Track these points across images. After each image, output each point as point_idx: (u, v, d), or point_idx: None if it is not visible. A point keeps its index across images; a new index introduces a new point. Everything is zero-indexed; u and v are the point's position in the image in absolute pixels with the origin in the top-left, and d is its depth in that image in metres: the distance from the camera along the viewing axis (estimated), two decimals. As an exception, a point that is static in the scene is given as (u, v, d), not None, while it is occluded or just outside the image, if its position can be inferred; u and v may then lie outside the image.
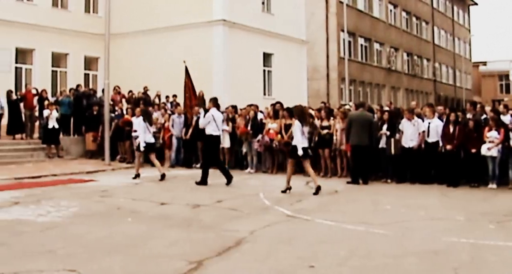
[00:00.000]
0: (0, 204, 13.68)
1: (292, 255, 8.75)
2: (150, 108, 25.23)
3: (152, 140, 19.51)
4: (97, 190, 16.36)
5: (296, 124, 15.97)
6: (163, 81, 31.78)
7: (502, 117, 17.74)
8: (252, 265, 8.22)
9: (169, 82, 31.30)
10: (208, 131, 18.01)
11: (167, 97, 29.80)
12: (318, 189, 15.58)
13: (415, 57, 65.42)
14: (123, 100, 28.93)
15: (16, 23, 31.71)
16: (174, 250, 9.07)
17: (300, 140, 15.72)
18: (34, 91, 26.49)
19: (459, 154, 17.53)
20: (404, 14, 63.18)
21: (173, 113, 24.37)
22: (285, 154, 20.78)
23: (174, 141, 23.47)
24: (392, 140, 18.42)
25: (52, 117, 24.40)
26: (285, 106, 21.86)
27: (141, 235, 10.18)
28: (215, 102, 18.74)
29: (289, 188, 15.98)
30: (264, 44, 36.48)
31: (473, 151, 17.13)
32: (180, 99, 28.06)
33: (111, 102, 25.56)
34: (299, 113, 16.35)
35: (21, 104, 25.97)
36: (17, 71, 32.71)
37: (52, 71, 34.75)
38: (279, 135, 20.47)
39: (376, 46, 56.52)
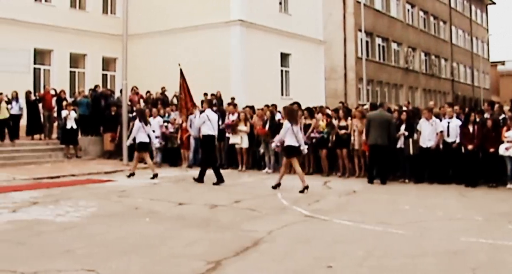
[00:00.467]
0: (19, 204, 13.75)
1: (310, 255, 8.74)
2: (168, 109, 25.32)
3: (146, 140, 19.73)
4: (115, 190, 16.43)
5: (285, 124, 16.46)
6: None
7: (520, 117, 17.65)
8: (270, 265, 8.21)
9: (188, 83, 31.34)
10: (204, 131, 18.35)
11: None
12: (305, 188, 15.94)
13: (433, 57, 65.15)
14: (141, 100, 28.99)
15: (34, 24, 31.85)
16: (192, 250, 9.08)
17: (285, 138, 16.39)
18: (52, 92, 26.59)
19: (477, 154, 17.44)
20: (421, 13, 62.92)
21: (190, 113, 24.36)
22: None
23: (192, 141, 23.47)
24: (410, 139, 18.35)
25: (71, 117, 24.48)
26: (302, 106, 21.95)
27: (159, 235, 10.20)
28: (210, 103, 19.79)
29: (278, 184, 16.65)
30: (281, 44, 36.44)
31: (491, 150, 17.04)
32: (196, 100, 28.16)
33: (129, 103, 25.61)
34: (289, 113, 16.84)
35: (40, 105, 26.09)
36: (36, 72, 32.90)
37: (70, 72, 34.84)
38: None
39: (394, 46, 56.34)
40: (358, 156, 19.85)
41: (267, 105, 23.05)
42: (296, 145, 16.46)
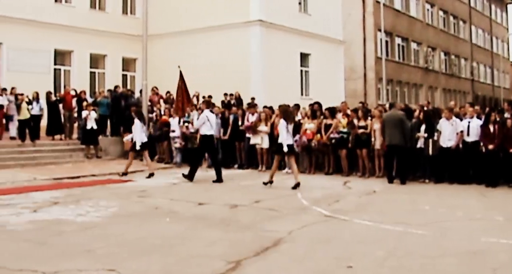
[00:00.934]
0: (40, 204, 13.83)
1: (330, 255, 8.74)
2: (188, 109, 25.34)
3: (145, 139, 20.03)
4: (135, 190, 16.49)
5: (281, 123, 17.14)
6: (200, 82, 31.81)
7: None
8: (290, 265, 8.22)
9: (206, 83, 31.39)
10: (203, 131, 18.83)
11: (203, 97, 29.81)
12: (297, 185, 16.52)
13: (453, 57, 64.92)
14: (161, 101, 29.03)
15: (55, 25, 32.02)
16: (213, 250, 9.09)
17: (285, 137, 16.95)
18: (73, 93, 26.70)
19: (498, 154, 17.35)
20: (441, 13, 62.71)
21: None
22: (323, 153, 20.84)
23: (212, 141, 23.52)
24: (430, 140, 18.27)
25: (91, 118, 24.55)
26: (322, 106, 21.94)
27: (179, 235, 10.23)
28: (208, 104, 19.98)
29: (271, 182, 17.21)
30: (301, 44, 36.42)
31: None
32: (216, 100, 28.20)
33: (149, 103, 25.66)
34: (284, 112, 17.65)
35: (60, 106, 26.20)
36: (56, 73, 33.09)
37: (90, 72, 35.01)
38: (318, 135, 20.53)
39: (413, 45, 56.18)
40: (378, 156, 19.81)
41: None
42: (291, 143, 17.28)
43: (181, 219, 11.89)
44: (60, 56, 33.67)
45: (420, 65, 56.70)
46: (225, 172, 19.87)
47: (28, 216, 12.24)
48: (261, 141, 22.07)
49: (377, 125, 19.53)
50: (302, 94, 36.42)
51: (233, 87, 29.65)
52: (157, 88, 29.00)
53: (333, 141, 20.46)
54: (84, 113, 24.72)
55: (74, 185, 17.71)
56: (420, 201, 14.65)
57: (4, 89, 25.49)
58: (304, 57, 37.35)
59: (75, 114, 26.56)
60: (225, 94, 28.63)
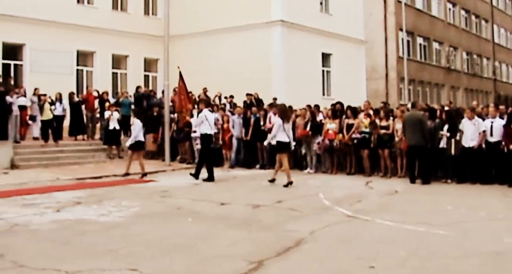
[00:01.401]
0: (63, 203, 13.92)
1: (352, 255, 8.73)
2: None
3: (143, 139, 20.09)
4: (157, 190, 16.53)
5: (278, 121, 17.68)
6: (222, 82, 31.89)
7: None
8: (312, 265, 8.22)
9: (228, 83, 31.45)
10: (202, 130, 19.16)
11: (226, 98, 29.87)
12: (289, 183, 17.20)
13: (475, 56, 64.53)
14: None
15: (77, 26, 32.17)
16: (234, 250, 9.11)
17: (276, 134, 17.67)
18: (95, 94, 26.83)
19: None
20: (463, 12, 62.37)
21: (232, 114, 24.44)
22: (345, 153, 20.82)
23: (234, 142, 23.52)
24: (453, 139, 18.18)
25: (113, 118, 24.66)
26: (344, 106, 21.93)
27: (201, 235, 10.24)
28: (206, 103, 20.53)
29: (274, 180, 17.92)
30: (322, 44, 36.36)
31: (535, 150, 16.91)
32: (238, 100, 28.24)
33: (171, 104, 25.73)
34: (282, 111, 18.12)
35: (83, 106, 26.35)
36: (78, 74, 33.24)
37: (113, 73, 35.15)
38: (340, 135, 20.52)
39: (435, 45, 55.92)
40: (400, 156, 19.76)
41: (308, 106, 23.02)
42: (287, 141, 17.74)
43: (203, 219, 11.91)
44: (83, 57, 33.83)
45: (442, 65, 56.42)
46: (247, 172, 19.94)
47: (51, 215, 12.32)
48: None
49: (399, 125, 19.49)
50: (323, 94, 36.35)
51: (254, 87, 29.63)
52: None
53: (355, 141, 20.43)
54: (107, 114, 24.84)
55: (97, 185, 17.81)
56: (442, 201, 14.60)
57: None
58: (325, 57, 37.28)
59: (98, 115, 26.69)
60: (247, 95, 28.63)
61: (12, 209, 13.08)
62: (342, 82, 37.42)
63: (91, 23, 32.87)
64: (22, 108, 24.22)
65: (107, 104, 25.76)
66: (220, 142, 23.50)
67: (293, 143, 18.71)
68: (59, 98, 25.50)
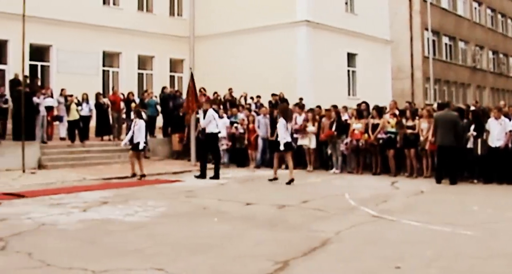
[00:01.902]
0: (90, 203, 13.98)
1: (378, 255, 8.70)
2: (234, 109, 25.45)
3: (144, 139, 19.89)
4: (183, 190, 16.57)
5: (281, 121, 18.19)
6: (247, 82, 31.93)
7: None
8: (338, 265, 8.20)
9: (254, 83, 31.49)
10: (209, 129, 19.45)
11: (251, 98, 29.89)
12: (291, 181, 17.81)
13: (501, 55, 64.08)
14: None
15: (103, 27, 32.37)
16: (260, 250, 9.11)
17: (283, 135, 18.15)
18: (121, 97, 26.92)
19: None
20: (489, 11, 62.00)
21: (258, 114, 24.44)
22: (371, 153, 20.78)
23: (260, 142, 23.52)
24: (479, 139, 18.06)
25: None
26: (369, 106, 21.89)
27: (227, 235, 10.26)
28: (212, 103, 21.17)
29: (276, 178, 18.52)
30: (348, 44, 36.30)
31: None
32: (264, 100, 28.26)
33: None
34: (283, 111, 18.82)
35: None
36: (105, 74, 33.45)
37: (138, 73, 35.28)
38: (365, 135, 20.47)
39: (461, 44, 55.63)
40: (426, 156, 19.68)
41: (333, 106, 22.98)
42: (289, 140, 18.53)
43: (229, 219, 11.92)
44: (109, 58, 34.03)
45: (468, 64, 56.13)
46: (272, 172, 19.91)
47: (77, 215, 12.39)
48: (308, 141, 22.06)
49: (424, 125, 19.41)
50: (349, 94, 36.31)
51: (279, 88, 29.63)
52: (204, 90, 29.09)
53: (381, 141, 20.37)
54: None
55: (123, 185, 17.89)
56: (468, 201, 14.51)
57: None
58: (351, 57, 37.23)
59: (124, 116, 26.81)
60: (272, 95, 28.65)
61: (39, 209, 13.17)
62: (368, 82, 37.35)
63: (117, 24, 33.04)
64: (49, 109, 24.39)
65: (133, 105, 25.85)
66: (246, 142, 23.55)
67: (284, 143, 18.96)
68: (86, 99, 25.66)
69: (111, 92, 29.16)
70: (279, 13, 33.32)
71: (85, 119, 25.46)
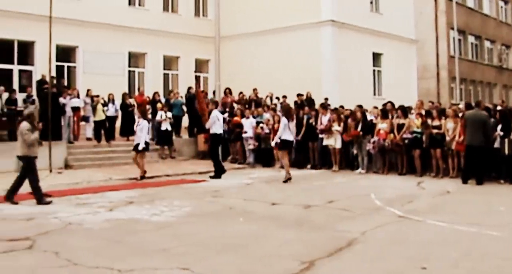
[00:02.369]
0: (116, 203, 14.09)
1: (404, 256, 8.69)
2: (260, 109, 25.45)
3: (148, 140, 19.94)
4: (209, 190, 16.64)
5: (283, 120, 18.62)
6: (272, 82, 31.93)
7: None
8: (364, 265, 8.21)
9: (278, 84, 31.46)
10: (213, 130, 19.82)
11: (277, 98, 29.87)
12: (288, 179, 18.54)
13: (528, 55, 63.67)
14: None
15: (129, 28, 32.47)
16: (286, 250, 9.12)
17: (281, 133, 18.64)
18: (147, 99, 27.02)
19: None
20: (515, 10, 61.58)
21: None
22: (396, 153, 20.70)
23: (285, 142, 23.55)
24: (506, 139, 17.94)
25: (166, 119, 24.88)
26: (395, 106, 21.82)
27: (253, 235, 10.30)
28: (216, 103, 21.37)
29: (289, 178, 18.68)
30: (373, 44, 36.15)
31: None
32: (289, 100, 28.22)
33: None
34: (286, 111, 19.36)
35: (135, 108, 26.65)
36: (130, 75, 33.51)
37: (164, 74, 35.35)
38: (391, 135, 20.41)
39: (487, 44, 55.20)
40: (452, 156, 19.59)
41: (359, 106, 22.91)
42: (291, 139, 19.11)
43: (255, 219, 11.96)
44: (134, 58, 34.12)
45: (494, 64, 55.68)
46: (298, 172, 19.94)
47: (104, 215, 12.51)
48: (334, 141, 22.04)
49: (450, 125, 19.34)
50: (374, 94, 36.17)
51: (305, 87, 29.60)
52: (230, 90, 29.14)
53: (406, 141, 20.30)
54: (159, 116, 25.05)
55: (149, 185, 17.99)
56: (494, 201, 14.44)
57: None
58: (376, 57, 37.07)
59: (149, 116, 26.91)
60: (298, 95, 28.62)
61: (66, 208, 13.31)
62: (393, 82, 37.18)
63: (143, 25, 33.13)
64: (76, 109, 24.57)
65: (159, 105, 25.95)
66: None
67: (294, 141, 19.99)
68: (112, 99, 25.81)
69: (136, 92, 29.31)
70: (304, 13, 33.25)
71: (111, 119, 25.62)
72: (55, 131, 21.68)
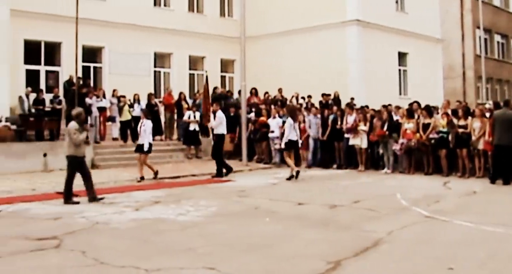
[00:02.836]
0: (142, 203, 14.15)
1: (430, 256, 8.66)
2: (284, 110, 25.46)
3: (151, 141, 19.69)
4: (235, 190, 16.68)
5: (288, 121, 19.43)
6: (298, 82, 31.94)
7: None
8: (390, 265, 8.19)
9: (304, 84, 31.45)
10: (219, 130, 20.22)
11: (302, 98, 29.86)
12: (291, 177, 19.04)
13: (554, 53, 63.13)
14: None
15: (154, 29, 32.60)
16: (312, 250, 9.12)
17: (288, 133, 19.18)
18: (173, 100, 27.12)
19: None
20: (542, 8, 61.10)
21: (307, 114, 24.42)
22: (423, 153, 20.62)
23: (311, 142, 23.56)
24: (533, 139, 17.81)
25: (193, 119, 24.95)
26: (421, 105, 21.74)
27: (278, 235, 10.30)
28: (221, 104, 21.73)
29: (296, 175, 19.07)
30: (399, 43, 36.03)
31: None
32: (315, 100, 28.22)
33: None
34: (291, 111, 20.04)
35: (162, 108, 26.76)
36: (156, 75, 33.63)
37: (190, 74, 35.43)
38: (417, 134, 20.33)
39: (514, 43, 54.94)
40: (478, 156, 19.48)
41: (384, 106, 22.86)
42: (295, 139, 19.43)
43: (280, 219, 11.96)
44: (160, 59, 34.25)
45: (521, 63, 55.37)
46: (324, 172, 19.93)
47: (130, 214, 12.58)
48: (360, 141, 22.00)
49: (476, 124, 19.23)
50: (400, 93, 36.03)
51: (330, 87, 29.58)
52: (255, 90, 29.18)
53: (432, 140, 20.21)
54: (187, 116, 25.15)
55: (175, 185, 18.07)
56: (522, 202, 14.39)
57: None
58: (402, 56, 36.94)
59: (175, 116, 27.01)
60: (323, 95, 28.60)
61: (93, 208, 13.39)
62: (419, 81, 37.03)
63: (168, 25, 33.26)
64: (102, 110, 24.72)
65: (185, 105, 26.02)
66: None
67: (300, 141, 20.41)
68: (137, 100, 25.92)
69: (162, 93, 29.44)
70: (329, 12, 33.22)
71: (137, 119, 25.65)
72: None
